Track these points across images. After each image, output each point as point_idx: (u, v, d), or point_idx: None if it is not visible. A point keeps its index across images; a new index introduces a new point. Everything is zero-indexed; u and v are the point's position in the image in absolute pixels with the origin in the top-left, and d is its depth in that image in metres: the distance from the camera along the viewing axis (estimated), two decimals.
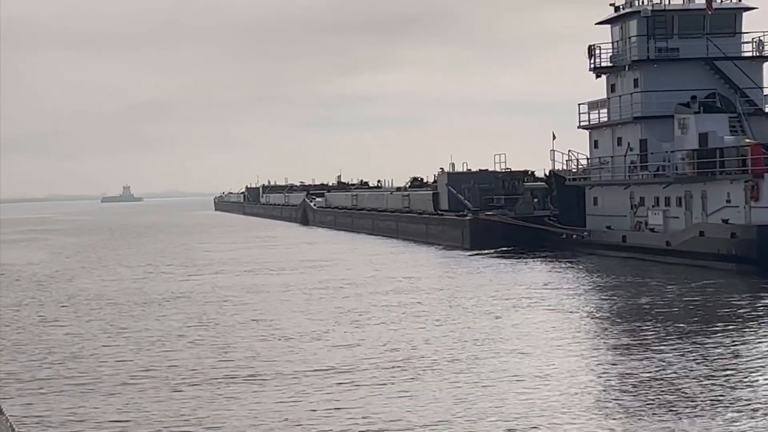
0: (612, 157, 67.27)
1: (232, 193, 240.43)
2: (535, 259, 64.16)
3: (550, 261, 62.90)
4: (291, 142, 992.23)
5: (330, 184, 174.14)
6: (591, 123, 71.15)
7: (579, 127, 72.07)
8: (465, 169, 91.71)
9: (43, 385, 27.11)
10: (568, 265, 60.69)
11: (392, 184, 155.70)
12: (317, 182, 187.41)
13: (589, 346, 31.95)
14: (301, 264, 65.12)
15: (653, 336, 32.79)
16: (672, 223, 60.46)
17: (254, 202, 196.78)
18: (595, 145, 70.98)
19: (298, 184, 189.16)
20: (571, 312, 39.19)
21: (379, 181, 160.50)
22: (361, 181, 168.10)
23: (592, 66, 69.85)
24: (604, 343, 32.83)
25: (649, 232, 61.73)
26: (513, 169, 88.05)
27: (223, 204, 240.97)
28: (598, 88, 70.56)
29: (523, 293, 45.67)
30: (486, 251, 71.44)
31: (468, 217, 77.99)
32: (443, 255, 70.74)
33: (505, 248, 72.45)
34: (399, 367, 28.54)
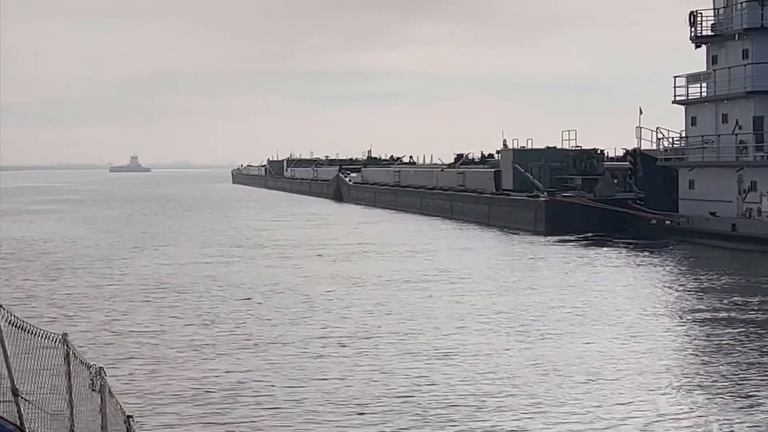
0: (718, 135, 60.50)
1: (251, 166, 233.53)
2: (629, 248, 57.63)
3: (646, 250, 56.32)
4: (301, 116, 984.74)
5: (357, 159, 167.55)
6: (690, 98, 64.38)
7: (674, 102, 65.37)
8: (530, 146, 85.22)
9: None
10: (670, 256, 54.21)
11: (428, 159, 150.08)
12: (341, 157, 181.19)
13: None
14: (383, 248, 58.34)
15: None
16: None
17: (277, 176, 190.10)
18: (692, 122, 64.33)
19: (323, 158, 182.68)
20: (704, 321, 32.77)
21: (411, 157, 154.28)
22: (392, 156, 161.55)
23: (693, 34, 63.17)
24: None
25: (766, 221, 55.04)
26: (584, 147, 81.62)
27: (241, 177, 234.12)
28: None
29: (643, 294, 39.35)
30: (565, 236, 64.97)
31: (543, 198, 71.37)
32: (521, 241, 64.01)
33: (586, 233, 66.06)
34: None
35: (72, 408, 10.74)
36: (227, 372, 24.87)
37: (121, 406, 10.41)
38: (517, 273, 46.07)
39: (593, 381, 23.83)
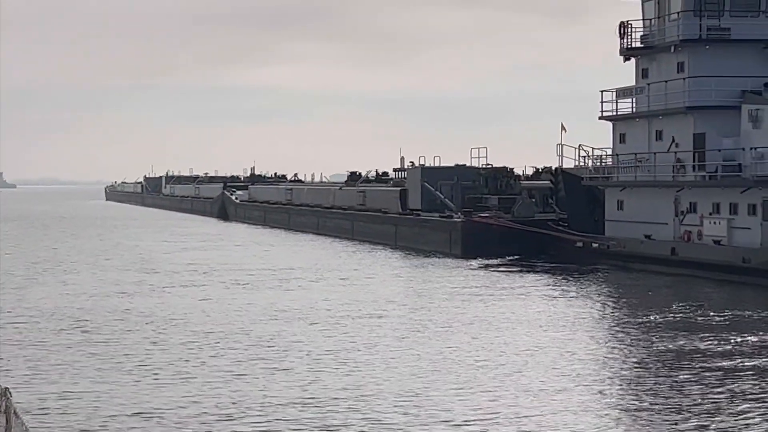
0: (654, 153, 56.74)
1: (126, 182, 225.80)
2: (556, 273, 53.54)
3: (575, 275, 52.41)
4: (173, 133, 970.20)
5: (240, 176, 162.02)
6: (619, 113, 60.64)
7: (601, 117, 61.58)
8: (437, 164, 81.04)
9: None
10: (604, 282, 50.47)
11: (315, 178, 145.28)
12: (221, 174, 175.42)
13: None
14: (294, 274, 53.15)
15: None
16: (740, 235, 50.32)
17: (155, 193, 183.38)
18: (621, 139, 60.57)
19: (203, 175, 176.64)
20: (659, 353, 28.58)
21: (296, 175, 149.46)
22: (276, 174, 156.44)
23: (624, 47, 59.50)
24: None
25: (710, 245, 51.38)
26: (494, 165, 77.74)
27: (116, 194, 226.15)
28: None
29: (583, 326, 35.13)
30: (483, 260, 60.76)
31: (458, 219, 67.04)
32: (438, 265, 59.44)
33: (506, 256, 61.98)
34: None
35: None
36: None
37: (26, 427, 10.15)
38: (443, 306, 41.48)
39: None
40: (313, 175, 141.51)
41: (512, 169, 77.61)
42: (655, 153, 56.34)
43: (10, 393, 10.43)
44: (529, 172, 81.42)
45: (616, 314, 39.00)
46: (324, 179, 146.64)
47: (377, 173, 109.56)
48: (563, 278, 51.30)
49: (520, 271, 55.13)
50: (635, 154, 57.79)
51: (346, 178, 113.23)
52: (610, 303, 42.49)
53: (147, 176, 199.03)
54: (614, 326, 35.58)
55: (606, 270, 55.12)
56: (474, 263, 59.14)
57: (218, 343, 30.73)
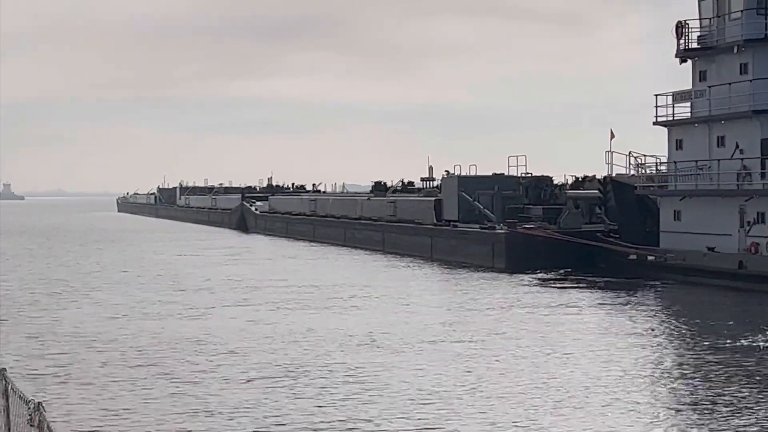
0: (717, 161, 53.48)
1: (138, 194, 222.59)
2: (614, 288, 50.27)
3: (637, 292, 49.15)
4: (179, 144, 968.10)
5: (256, 187, 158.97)
6: (676, 118, 57.38)
7: (656, 123, 58.35)
8: (474, 173, 77.87)
9: None
10: (665, 298, 47.27)
11: (335, 188, 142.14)
12: (234, 184, 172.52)
13: None
14: (332, 291, 49.89)
15: None
16: None
17: (169, 204, 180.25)
18: (677, 145, 57.33)
19: (218, 185, 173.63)
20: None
21: (314, 185, 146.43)
22: (293, 184, 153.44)
23: (680, 48, 56.35)
24: None
25: None
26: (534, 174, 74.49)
27: (128, 205, 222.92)
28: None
29: (650, 348, 31.74)
30: (530, 273, 57.60)
31: (501, 231, 63.78)
32: (490, 281, 56.09)
33: (553, 270, 58.84)
34: None
35: None
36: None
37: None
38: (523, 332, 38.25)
39: None
40: (334, 185, 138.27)
41: (551, 177, 74.44)
42: (718, 160, 53.08)
43: (43, 408, 10.41)
44: (569, 180, 78.11)
45: (683, 333, 35.63)
46: (343, 189, 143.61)
47: (403, 183, 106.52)
48: (620, 294, 47.98)
49: (575, 287, 51.83)
50: (696, 161, 54.52)
51: (370, 189, 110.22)
52: (676, 321, 39.04)
53: (160, 187, 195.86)
54: (683, 346, 32.38)
55: (665, 285, 51.88)
56: (525, 278, 55.90)
57: (296, 378, 27.18)
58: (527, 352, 31.25)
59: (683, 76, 57.37)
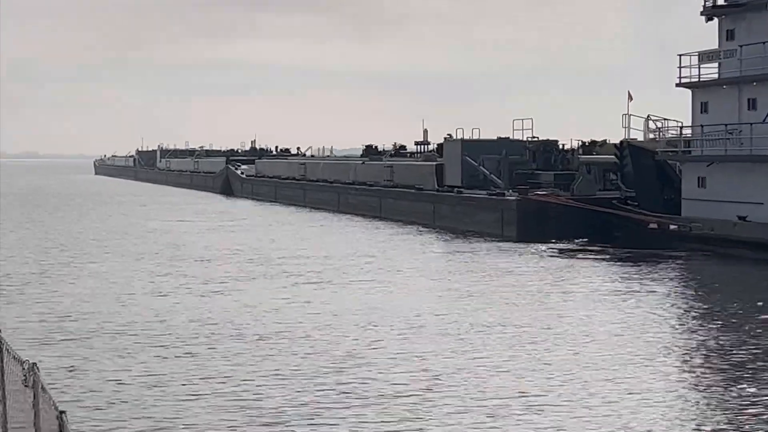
0: (750, 124, 50.36)
1: (117, 156, 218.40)
2: (641, 261, 47.27)
3: (665, 264, 46.18)
4: (157, 107, 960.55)
5: (238, 150, 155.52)
6: (702, 80, 54.22)
7: (678, 84, 55.19)
8: (477, 137, 74.68)
9: None
10: (694, 271, 44.34)
11: (321, 152, 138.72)
12: (214, 147, 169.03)
13: None
14: (347, 262, 46.41)
15: None
16: None
17: (149, 167, 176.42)
18: (702, 108, 54.21)
19: (199, 148, 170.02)
20: None
21: (299, 149, 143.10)
22: (277, 148, 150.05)
23: (707, 4, 53.21)
24: None
25: None
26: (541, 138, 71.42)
27: (106, 168, 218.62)
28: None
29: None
30: (542, 243, 54.62)
31: (512, 197, 60.67)
32: (505, 251, 52.93)
33: (566, 239, 55.96)
34: None
35: (5, 404, 10.73)
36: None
37: (54, 402, 9.69)
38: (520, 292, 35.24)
39: None
40: (321, 148, 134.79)
41: (558, 141, 71.33)
42: (750, 124, 50.02)
43: (37, 368, 10.25)
44: (575, 146, 74.92)
45: (716, 310, 32.75)
46: (330, 153, 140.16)
47: (395, 147, 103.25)
48: (645, 266, 45.00)
49: (599, 258, 48.79)
50: (725, 125, 51.43)
51: (361, 153, 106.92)
52: (707, 297, 36.12)
53: (139, 150, 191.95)
54: (719, 324, 29.49)
55: (690, 256, 48.91)
56: (540, 247, 52.91)
57: (342, 366, 24.05)
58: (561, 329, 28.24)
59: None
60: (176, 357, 24.81)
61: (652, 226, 54.40)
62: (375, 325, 29.40)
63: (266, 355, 24.94)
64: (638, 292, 37.08)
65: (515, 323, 29.91)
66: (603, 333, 28.46)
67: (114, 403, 20.20)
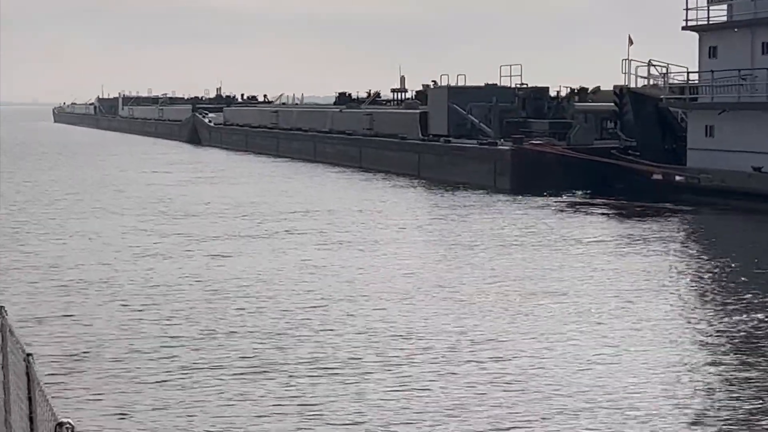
0: (765, 69, 47.59)
1: (77, 104, 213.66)
2: (650, 214, 44.70)
3: (677, 218, 43.71)
4: (118, 55, 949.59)
5: (203, 97, 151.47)
6: (711, 22, 51.36)
7: (685, 28, 52.39)
8: (463, 83, 71.63)
9: None
10: (713, 226, 41.93)
11: (290, 99, 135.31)
12: (177, 95, 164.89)
13: None
14: (344, 218, 43.52)
15: None
16: None
17: (111, 115, 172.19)
18: (711, 53, 51.39)
19: (162, 95, 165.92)
20: None
21: (265, 96, 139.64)
22: (243, 95, 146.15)
23: None
24: None
25: None
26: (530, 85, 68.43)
27: (66, 116, 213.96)
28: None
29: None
30: (537, 194, 51.95)
31: (505, 147, 57.80)
32: (504, 204, 50.17)
33: (564, 192, 53.29)
34: None
35: None
36: None
37: (21, 344, 9.39)
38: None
39: None
40: (292, 96, 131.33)
41: (548, 88, 68.32)
42: (766, 69, 47.25)
43: (5, 312, 10.29)
44: (563, 93, 71.95)
45: (736, 269, 30.26)
46: (297, 100, 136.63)
47: (371, 94, 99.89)
48: (653, 221, 42.46)
49: (607, 213, 46.08)
50: (738, 70, 48.64)
51: (334, 101, 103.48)
52: (725, 254, 33.55)
53: (100, 97, 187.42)
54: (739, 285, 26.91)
55: (699, 210, 46.31)
56: (538, 200, 50.21)
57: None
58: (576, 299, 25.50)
59: None
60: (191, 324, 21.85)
61: (656, 177, 51.74)
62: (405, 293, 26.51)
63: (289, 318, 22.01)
64: (654, 250, 34.40)
65: (515, 282, 27.15)
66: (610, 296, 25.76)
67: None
